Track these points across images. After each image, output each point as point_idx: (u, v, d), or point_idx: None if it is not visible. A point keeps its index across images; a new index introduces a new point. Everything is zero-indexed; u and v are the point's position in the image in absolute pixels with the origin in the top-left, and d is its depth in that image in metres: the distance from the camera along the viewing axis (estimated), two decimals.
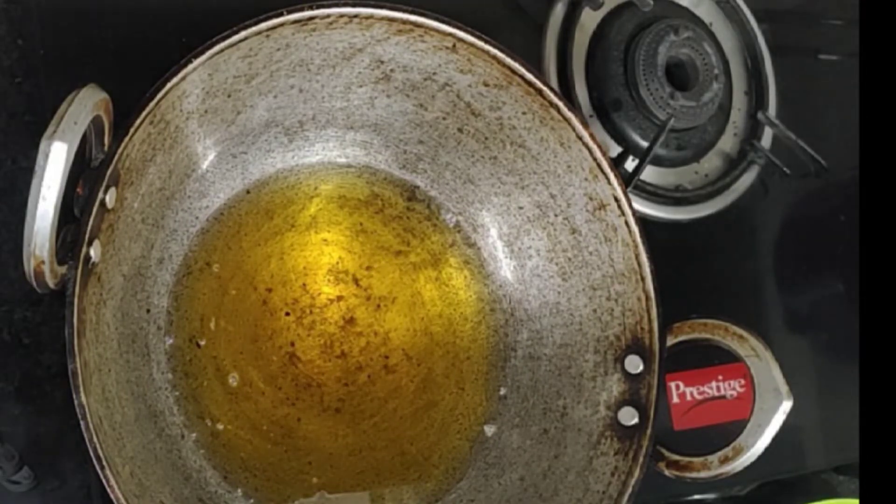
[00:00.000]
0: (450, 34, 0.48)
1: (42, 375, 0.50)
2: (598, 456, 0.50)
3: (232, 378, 0.52)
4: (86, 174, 0.43)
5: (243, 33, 0.45)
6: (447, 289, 0.56)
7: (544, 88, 0.50)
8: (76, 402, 0.40)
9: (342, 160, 0.56)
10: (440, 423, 0.55)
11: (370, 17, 0.47)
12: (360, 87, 0.52)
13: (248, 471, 0.51)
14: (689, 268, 0.63)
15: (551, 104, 0.50)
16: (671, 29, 0.62)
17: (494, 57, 0.49)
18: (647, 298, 0.50)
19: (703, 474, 0.49)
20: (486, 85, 0.51)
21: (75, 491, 0.49)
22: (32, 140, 0.39)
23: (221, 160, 0.52)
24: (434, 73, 0.51)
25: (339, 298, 0.54)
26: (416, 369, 0.55)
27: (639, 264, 0.50)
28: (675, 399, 0.61)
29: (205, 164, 0.52)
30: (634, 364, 0.50)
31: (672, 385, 0.61)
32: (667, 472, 0.50)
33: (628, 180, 0.60)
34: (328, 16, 0.47)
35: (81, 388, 0.40)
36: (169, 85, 0.44)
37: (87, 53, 0.52)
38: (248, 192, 0.54)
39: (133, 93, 0.43)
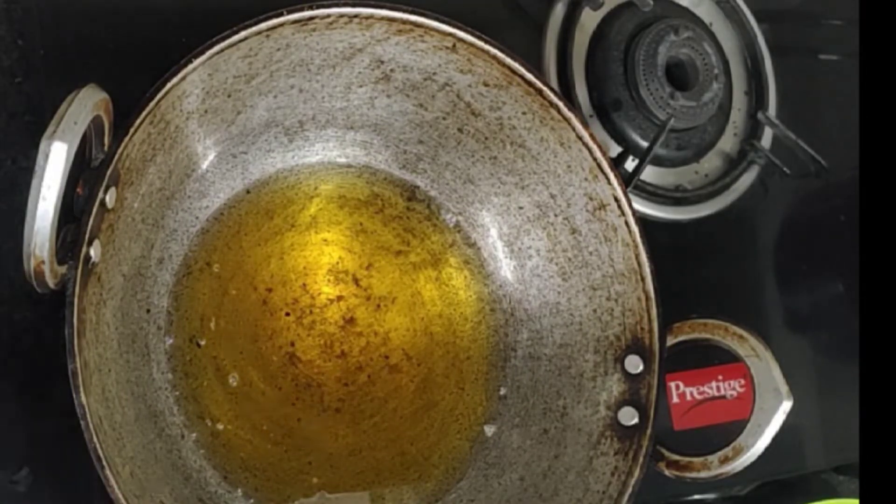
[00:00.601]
0: (450, 34, 0.48)
1: (42, 375, 0.50)
2: (598, 456, 0.50)
3: (232, 378, 0.52)
4: (86, 174, 0.43)
5: (243, 33, 0.45)
6: (447, 289, 0.56)
7: (544, 88, 0.50)
8: (76, 402, 0.40)
9: (342, 160, 0.56)
10: (440, 423, 0.55)
11: (370, 17, 0.47)
12: (360, 87, 0.52)
13: (248, 471, 0.51)
14: (689, 268, 0.63)
15: (551, 104, 0.50)
16: (671, 29, 0.62)
17: (494, 57, 0.49)
18: (647, 298, 0.50)
19: (703, 474, 0.49)
20: (486, 85, 0.51)
21: (75, 491, 0.49)
22: (32, 140, 0.39)
23: (221, 160, 0.52)
24: (434, 73, 0.51)
25: (339, 298, 0.54)
26: (416, 369, 0.55)
27: (639, 264, 0.50)
28: (675, 399, 0.61)
29: (205, 164, 0.52)
30: (634, 364, 0.50)
31: (672, 385, 0.61)
32: (667, 472, 0.50)
33: (628, 180, 0.60)
34: (328, 16, 0.47)
35: (81, 388, 0.40)
36: (169, 85, 0.44)
37: (87, 53, 0.52)
38: (248, 192, 0.54)
39: (133, 93, 0.43)
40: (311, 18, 0.46)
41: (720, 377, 0.62)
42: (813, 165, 0.66)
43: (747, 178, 0.66)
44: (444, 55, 0.50)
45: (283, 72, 0.50)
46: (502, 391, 0.55)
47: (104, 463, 0.40)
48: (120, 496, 0.40)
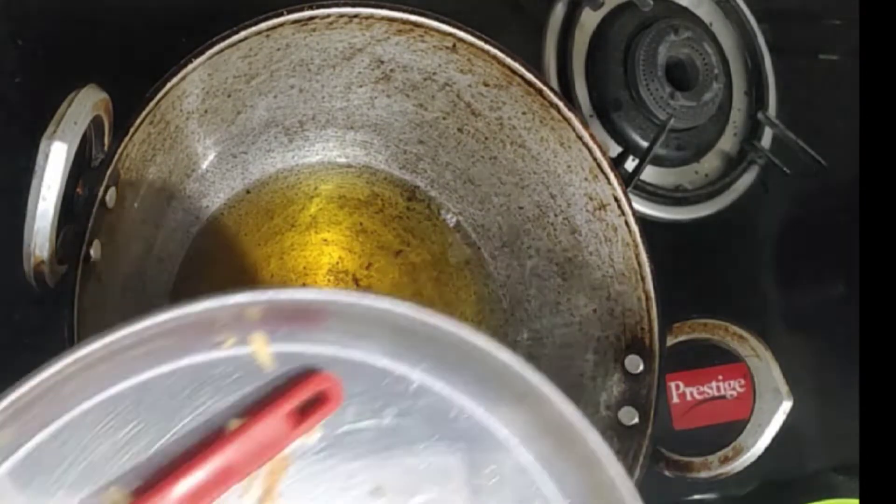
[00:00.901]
0: (450, 34, 0.48)
1: None
2: None
3: None
4: (86, 174, 0.43)
5: (243, 33, 0.45)
6: (447, 289, 0.56)
7: (544, 88, 0.50)
8: None
9: (342, 160, 0.56)
10: None
11: (370, 17, 0.47)
12: (360, 87, 0.52)
13: None
14: (689, 268, 0.63)
15: (551, 104, 0.50)
16: (671, 29, 0.62)
17: (494, 57, 0.49)
18: (647, 298, 0.50)
19: (703, 474, 0.49)
20: (486, 85, 0.51)
21: None
22: (32, 140, 0.39)
23: (221, 160, 0.52)
24: (434, 73, 0.51)
25: None
26: None
27: (639, 264, 0.50)
28: (675, 399, 0.61)
29: (205, 164, 0.52)
30: (634, 364, 0.50)
31: (672, 385, 0.61)
32: (667, 472, 0.50)
33: (628, 180, 0.60)
34: (328, 16, 0.47)
35: None
36: (169, 85, 0.44)
37: (87, 53, 0.52)
38: (248, 192, 0.54)
39: (133, 93, 0.43)
40: (311, 18, 0.46)
41: (720, 377, 0.62)
42: (813, 165, 0.66)
43: (747, 178, 0.66)
44: (444, 55, 0.50)
45: (283, 72, 0.50)
46: None
47: None
48: None
